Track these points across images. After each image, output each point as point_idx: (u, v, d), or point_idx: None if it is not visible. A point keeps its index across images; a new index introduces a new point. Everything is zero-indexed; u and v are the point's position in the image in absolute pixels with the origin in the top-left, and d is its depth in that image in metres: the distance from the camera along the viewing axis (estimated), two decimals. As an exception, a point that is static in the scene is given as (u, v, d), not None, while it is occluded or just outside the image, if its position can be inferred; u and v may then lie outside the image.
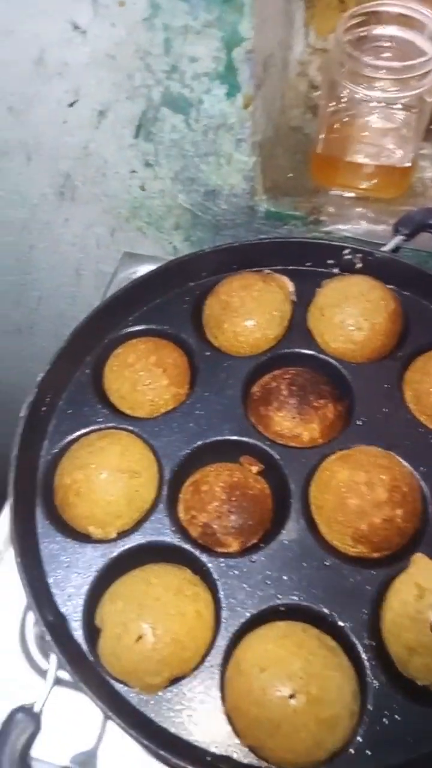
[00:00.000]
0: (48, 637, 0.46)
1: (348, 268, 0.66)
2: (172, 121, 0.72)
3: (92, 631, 0.50)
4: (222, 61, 0.65)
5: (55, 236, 0.96)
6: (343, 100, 0.72)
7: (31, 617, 0.59)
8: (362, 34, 0.69)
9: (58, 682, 0.47)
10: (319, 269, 0.67)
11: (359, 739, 0.44)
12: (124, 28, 0.65)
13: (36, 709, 0.45)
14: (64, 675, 0.47)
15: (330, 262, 0.67)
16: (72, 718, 0.52)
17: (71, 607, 0.51)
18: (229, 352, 0.64)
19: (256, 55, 0.64)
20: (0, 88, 0.75)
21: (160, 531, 0.54)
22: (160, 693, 0.47)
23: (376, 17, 0.68)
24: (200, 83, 0.67)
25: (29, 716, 0.44)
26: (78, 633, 0.50)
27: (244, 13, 0.60)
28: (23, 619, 0.59)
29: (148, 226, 0.89)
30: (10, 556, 0.61)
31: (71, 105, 0.75)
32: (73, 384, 0.62)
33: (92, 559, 0.53)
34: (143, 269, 0.82)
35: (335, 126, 0.75)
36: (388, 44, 0.69)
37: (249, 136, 0.71)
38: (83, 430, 0.59)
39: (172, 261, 0.67)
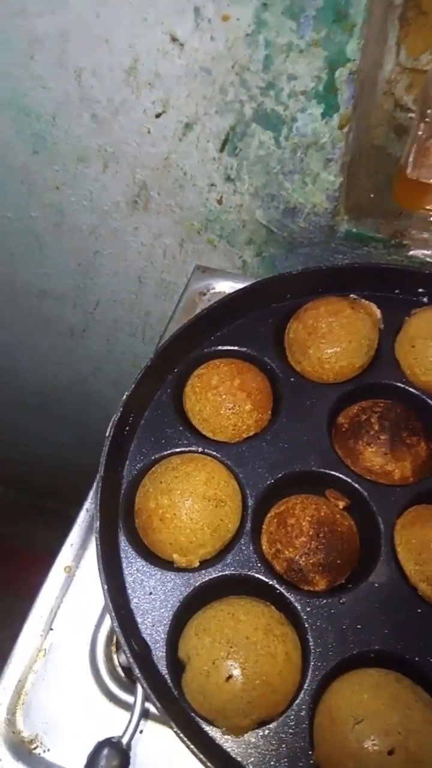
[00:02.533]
0: (136, 670, 0.45)
1: (440, 299, 0.64)
2: (261, 138, 0.71)
3: (175, 664, 0.49)
4: (323, 81, 0.63)
5: (122, 244, 0.95)
6: (438, 123, 0.70)
7: (101, 639, 0.58)
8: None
9: (149, 716, 0.46)
10: (409, 297, 0.65)
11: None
12: (223, 43, 0.64)
13: (124, 742, 0.44)
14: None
15: (421, 290, 0.65)
16: (154, 752, 0.50)
17: (155, 636, 0.50)
18: (311, 378, 0.63)
19: (358, 75, 0.62)
20: (87, 95, 0.75)
21: (244, 564, 0.52)
22: (246, 735, 0.46)
23: None
24: (296, 102, 0.66)
25: (116, 751, 0.43)
26: (161, 664, 0.49)
27: (353, 33, 0.58)
28: (93, 639, 0.58)
29: (220, 239, 0.88)
30: (82, 574, 0.61)
31: (158, 116, 0.74)
32: (155, 403, 0.61)
33: (176, 588, 0.51)
34: (216, 283, 0.81)
35: (427, 150, 0.73)
36: None
37: (340, 156, 0.70)
38: (165, 452, 0.58)
39: (258, 282, 0.66)
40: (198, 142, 0.75)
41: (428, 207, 0.75)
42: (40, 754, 0.53)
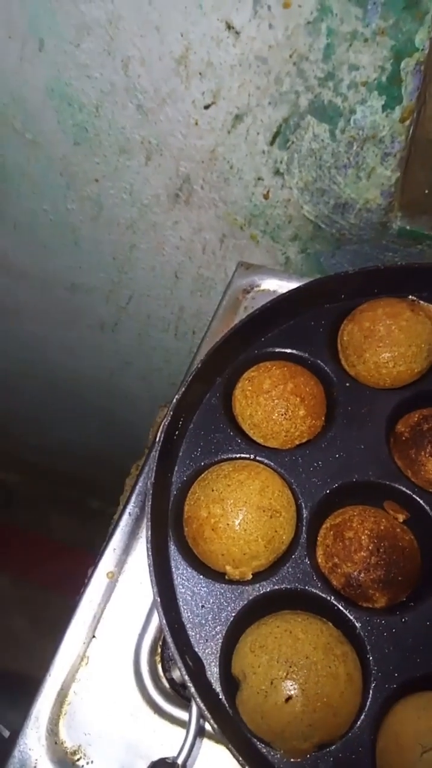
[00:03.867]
0: (191, 688, 0.43)
1: None
2: (316, 130, 0.68)
3: (229, 681, 0.47)
4: (386, 72, 0.60)
5: (160, 238, 0.93)
6: None
7: (145, 648, 0.56)
8: None
9: (203, 734, 0.44)
10: (470, 301, 0.62)
11: None
12: (282, 31, 0.61)
13: (179, 762, 0.42)
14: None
15: None
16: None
17: (208, 652, 0.48)
18: (366, 383, 0.60)
19: (425, 66, 0.59)
20: (133, 84, 0.72)
21: (300, 578, 0.50)
22: (305, 758, 0.44)
23: None
24: (356, 93, 0.63)
25: (172, 772, 0.42)
26: (215, 681, 0.47)
27: (424, 21, 0.55)
28: (137, 648, 0.56)
29: (264, 235, 0.85)
30: (125, 579, 0.59)
31: (207, 107, 0.71)
32: (204, 407, 0.59)
33: (229, 601, 0.50)
34: (261, 281, 0.79)
35: None
36: None
37: (399, 150, 0.67)
38: (216, 458, 0.56)
39: (313, 281, 0.63)
40: (247, 134, 0.72)
41: None
42: (83, 765, 0.52)
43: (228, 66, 0.66)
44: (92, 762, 0.52)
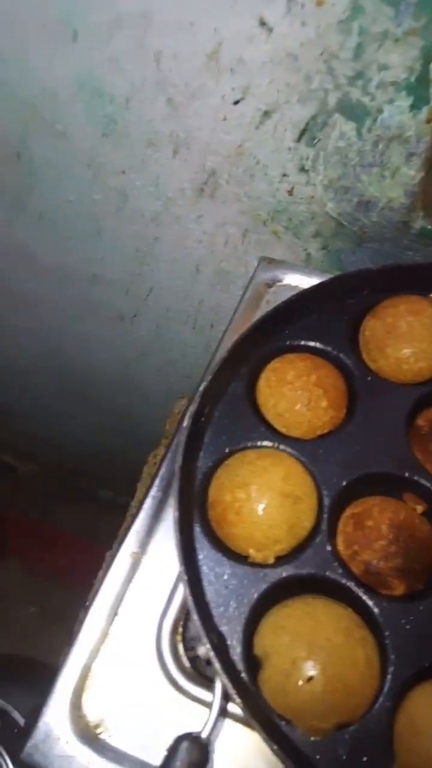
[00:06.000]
0: (216, 664, 0.45)
1: None
2: (343, 129, 0.69)
3: (250, 660, 0.48)
4: (415, 72, 0.61)
5: (183, 231, 0.94)
6: None
7: (167, 627, 0.57)
8: None
9: (224, 712, 0.46)
10: None
11: None
12: (314, 29, 0.62)
13: (204, 736, 0.44)
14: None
15: None
16: (231, 748, 0.50)
17: (230, 631, 0.49)
18: (387, 378, 0.61)
19: (454, 68, 0.60)
20: (164, 78, 0.74)
21: (320, 563, 0.52)
22: (324, 738, 0.45)
23: None
24: (384, 92, 0.64)
25: (197, 745, 0.43)
26: (237, 660, 0.48)
27: (456, 23, 0.56)
28: (159, 627, 0.58)
29: (286, 230, 0.86)
30: (148, 561, 0.61)
31: (236, 103, 0.73)
32: (229, 395, 0.60)
33: (252, 583, 0.51)
34: (283, 275, 0.80)
35: None
36: None
37: (424, 151, 0.68)
38: (239, 446, 0.58)
39: (337, 277, 0.64)
40: (275, 130, 0.73)
41: None
42: (105, 738, 0.53)
43: (259, 62, 0.67)
44: (114, 735, 0.53)
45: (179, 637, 0.57)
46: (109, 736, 0.53)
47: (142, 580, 0.60)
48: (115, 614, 0.58)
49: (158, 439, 0.78)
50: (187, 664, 0.56)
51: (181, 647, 0.56)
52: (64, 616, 0.67)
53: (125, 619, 0.58)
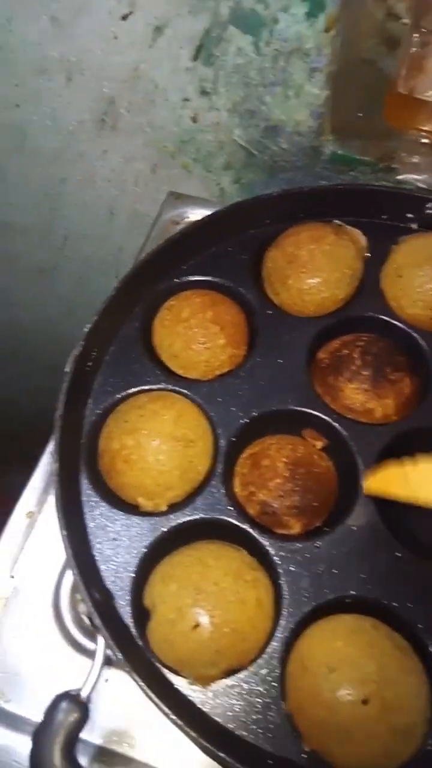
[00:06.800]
0: (96, 619, 0.42)
1: (430, 225, 0.59)
2: (239, 43, 0.64)
3: (140, 612, 0.46)
4: (308, -27, 0.56)
5: (90, 169, 0.88)
6: (434, 31, 0.63)
7: (66, 587, 0.55)
8: None
9: (106, 663, 0.43)
10: (397, 224, 0.60)
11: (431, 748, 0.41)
12: None
13: (83, 695, 0.41)
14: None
15: (410, 216, 0.60)
16: (116, 699, 0.48)
17: (118, 584, 0.46)
18: (291, 311, 0.58)
19: (348, -33, 0.55)
20: (43, -8, 0.66)
21: (214, 507, 0.49)
22: (213, 684, 0.43)
23: None
24: (278, 0, 0.59)
25: (75, 704, 0.41)
26: (125, 612, 0.46)
27: None
28: (57, 587, 0.55)
29: (195, 163, 0.81)
30: (44, 519, 0.57)
31: (124, 18, 0.66)
32: (121, 338, 0.56)
33: (141, 533, 0.48)
34: (191, 212, 0.75)
35: (421, 62, 0.66)
36: None
37: (326, 65, 0.63)
38: (132, 390, 0.54)
39: (234, 204, 0.60)
40: (169, 48, 0.67)
41: (420, 126, 0.69)
42: (1, 704, 0.51)
43: (142, -31, 0.61)
44: (10, 701, 0.51)
45: (79, 596, 0.54)
46: (6, 701, 0.51)
47: (40, 539, 0.56)
48: (11, 576, 0.55)
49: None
50: (87, 622, 0.53)
51: (81, 606, 0.54)
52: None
53: (22, 581, 0.55)
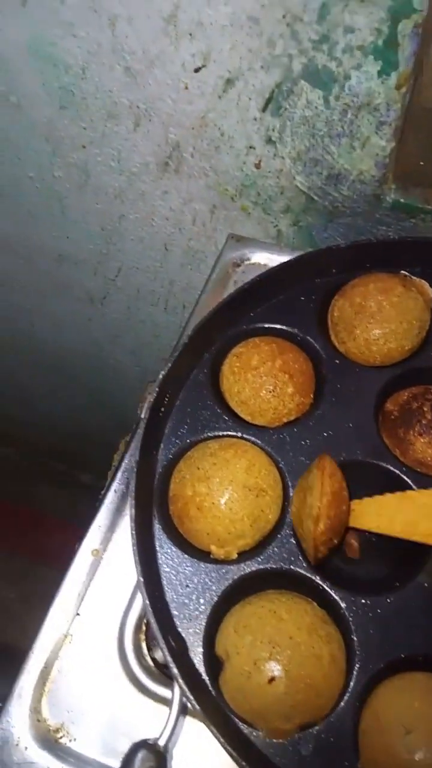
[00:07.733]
0: (174, 669, 0.43)
1: None
2: (309, 97, 0.66)
3: (212, 661, 0.47)
4: (383, 35, 0.57)
5: (149, 208, 0.90)
6: None
7: (129, 627, 0.56)
8: None
9: (185, 712, 0.44)
10: (464, 276, 0.61)
11: None
12: (275, -11, 0.58)
13: (161, 744, 0.42)
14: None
15: None
16: (191, 753, 0.48)
17: (191, 631, 0.47)
18: (356, 360, 0.59)
19: (423, 29, 0.56)
20: (120, 45, 0.69)
21: (285, 557, 0.50)
22: (287, 739, 0.43)
23: None
24: (351, 57, 0.60)
25: (152, 753, 0.41)
26: (198, 661, 0.46)
27: (424, -19, 0.52)
28: (122, 626, 0.56)
29: (255, 206, 0.83)
30: (110, 557, 0.58)
31: (197, 70, 0.68)
32: (191, 383, 0.58)
33: (213, 580, 0.49)
34: (252, 254, 0.77)
35: None
36: None
37: (394, 119, 0.64)
38: (202, 436, 0.55)
39: (303, 255, 0.61)
40: (239, 99, 0.69)
41: None
42: (66, 743, 0.51)
43: (219, 26, 0.63)
44: (75, 740, 0.52)
45: (143, 636, 0.55)
46: (71, 740, 0.51)
47: (105, 577, 0.57)
48: (77, 614, 0.56)
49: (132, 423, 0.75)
50: (151, 663, 0.54)
51: (144, 646, 0.54)
52: (45, 602, 0.65)
53: (87, 619, 0.56)
